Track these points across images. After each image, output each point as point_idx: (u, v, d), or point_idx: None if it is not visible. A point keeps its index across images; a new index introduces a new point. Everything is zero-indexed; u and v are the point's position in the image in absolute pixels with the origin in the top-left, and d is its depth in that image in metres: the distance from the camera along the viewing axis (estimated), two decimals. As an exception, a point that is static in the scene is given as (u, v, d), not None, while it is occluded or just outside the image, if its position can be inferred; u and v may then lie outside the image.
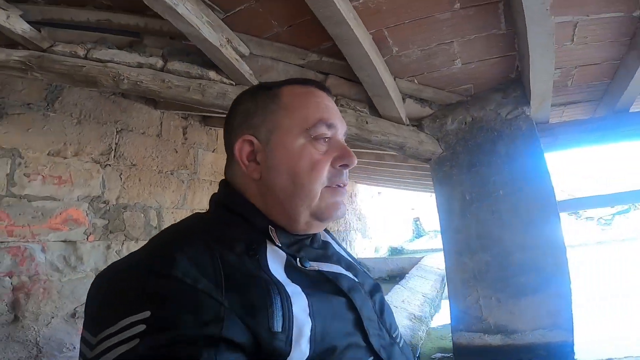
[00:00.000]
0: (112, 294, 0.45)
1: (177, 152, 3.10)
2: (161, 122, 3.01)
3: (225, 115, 0.67)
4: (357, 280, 0.60)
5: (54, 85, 2.36)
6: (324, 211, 0.58)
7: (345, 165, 0.59)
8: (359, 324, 0.53)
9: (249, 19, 1.70)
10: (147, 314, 0.40)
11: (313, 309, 0.49)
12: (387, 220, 10.12)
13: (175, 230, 0.55)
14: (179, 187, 3.11)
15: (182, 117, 3.18)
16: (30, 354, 2.16)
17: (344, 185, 0.61)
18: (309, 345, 0.46)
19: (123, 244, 2.70)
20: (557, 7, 1.50)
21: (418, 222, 13.83)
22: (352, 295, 0.55)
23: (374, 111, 2.06)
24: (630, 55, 1.73)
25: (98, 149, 2.60)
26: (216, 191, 0.63)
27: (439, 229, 2.12)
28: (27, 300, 2.23)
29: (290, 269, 0.53)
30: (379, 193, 9.37)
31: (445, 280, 2.03)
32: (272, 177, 0.57)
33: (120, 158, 2.72)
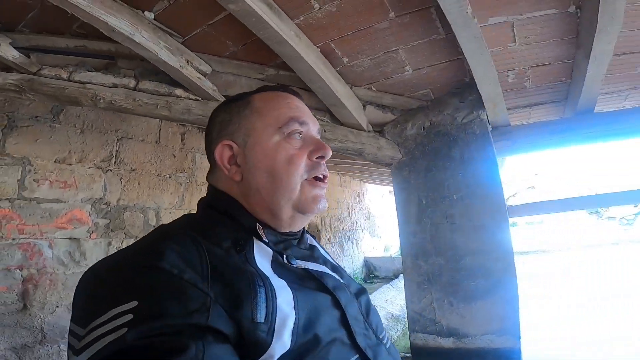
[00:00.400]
0: (100, 287, 0.46)
1: (175, 156, 3.32)
2: (159, 130, 3.24)
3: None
4: (342, 281, 0.62)
5: (58, 100, 2.63)
6: (305, 204, 0.60)
7: (321, 157, 0.61)
8: (343, 321, 0.54)
9: (206, 41, 1.84)
10: (134, 303, 0.41)
11: (298, 303, 0.50)
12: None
13: (164, 228, 0.57)
14: (177, 190, 3.33)
15: (180, 124, 3.40)
16: (35, 339, 2.45)
17: (324, 178, 0.63)
18: (291, 337, 0.46)
19: (123, 241, 2.95)
20: (486, 9, 1.52)
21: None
22: (337, 293, 0.56)
23: (336, 119, 2.15)
24: (578, 54, 1.70)
25: (100, 155, 2.86)
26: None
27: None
28: (35, 291, 2.52)
29: (277, 265, 0.55)
30: (390, 192, 9.33)
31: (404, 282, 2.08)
32: (253, 176, 0.60)
33: (121, 164, 2.97)
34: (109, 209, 2.90)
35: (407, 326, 3.58)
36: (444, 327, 1.91)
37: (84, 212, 2.79)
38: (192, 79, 1.89)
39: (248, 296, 0.46)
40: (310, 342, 0.48)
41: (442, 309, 1.93)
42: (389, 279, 5.87)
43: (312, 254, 0.64)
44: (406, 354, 2.48)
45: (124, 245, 2.96)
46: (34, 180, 2.56)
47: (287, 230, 0.62)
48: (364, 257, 6.91)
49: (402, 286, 4.61)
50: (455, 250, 1.91)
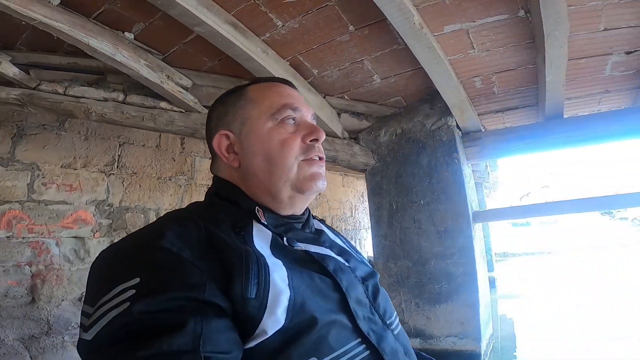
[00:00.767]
0: (107, 268, 0.49)
1: (174, 160, 3.47)
2: (160, 135, 3.39)
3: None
4: (347, 264, 0.61)
5: (63, 110, 2.81)
6: (303, 182, 0.60)
7: (315, 140, 0.62)
8: (344, 304, 0.53)
9: (184, 57, 1.95)
10: (137, 280, 0.43)
11: (293, 281, 0.50)
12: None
13: (169, 214, 0.59)
14: (177, 191, 3.48)
15: (180, 130, 3.55)
16: (42, 330, 2.64)
17: (322, 158, 0.64)
18: (285, 314, 0.47)
19: (125, 240, 3.13)
20: (439, 17, 1.55)
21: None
22: (337, 275, 0.55)
23: (311, 127, 2.22)
24: (538, 59, 1.71)
25: (103, 160, 3.04)
26: None
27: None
28: (43, 286, 2.71)
29: (276, 247, 0.56)
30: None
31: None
32: (250, 161, 0.61)
33: (123, 168, 3.14)
34: (112, 210, 3.07)
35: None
36: (412, 328, 1.97)
37: (89, 213, 2.97)
38: (173, 93, 2.01)
39: (239, 272, 0.47)
40: (307, 322, 0.48)
41: (410, 310, 1.98)
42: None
43: (317, 238, 0.64)
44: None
45: (126, 244, 3.14)
46: (42, 184, 2.76)
47: (289, 213, 0.62)
48: (367, 257, 6.95)
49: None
50: (421, 254, 1.96)
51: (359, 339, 0.52)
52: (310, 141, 0.62)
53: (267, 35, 1.73)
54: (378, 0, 1.36)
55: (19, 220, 2.67)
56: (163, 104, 2.13)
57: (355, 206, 6.93)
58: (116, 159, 3.10)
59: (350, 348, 0.50)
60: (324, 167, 0.64)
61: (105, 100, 2.11)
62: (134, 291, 0.42)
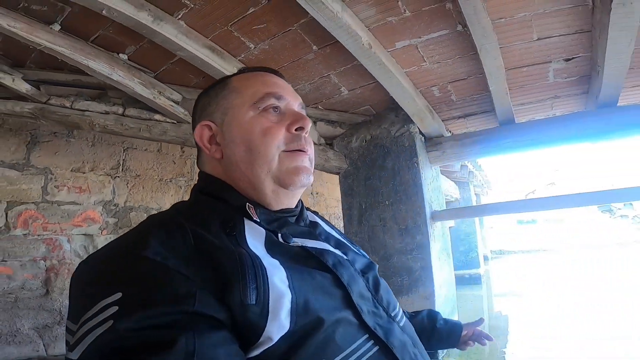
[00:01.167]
0: (88, 281, 0.45)
1: (175, 163, 3.71)
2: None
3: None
4: (346, 257, 0.58)
5: (72, 120, 3.06)
6: (286, 176, 0.57)
7: (301, 129, 0.59)
8: (347, 300, 0.51)
9: (173, 75, 2.16)
10: (119, 295, 0.39)
11: (293, 282, 0.47)
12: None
13: (151, 217, 0.54)
14: (177, 192, 3.72)
15: (180, 135, 3.78)
16: (54, 320, 2.90)
17: (304, 150, 0.60)
18: (289, 318, 0.43)
19: (129, 237, 3.38)
20: (390, 35, 1.72)
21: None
22: (337, 270, 0.53)
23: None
24: (484, 69, 1.85)
25: (109, 164, 3.29)
26: None
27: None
28: (56, 279, 2.97)
29: (271, 245, 0.52)
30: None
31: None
32: (232, 151, 0.58)
33: (127, 171, 3.39)
34: (117, 209, 3.32)
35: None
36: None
37: (96, 212, 3.22)
38: (165, 107, 2.23)
39: (236, 278, 0.43)
40: (313, 323, 0.45)
41: (376, 300, 2.16)
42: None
43: (313, 231, 0.61)
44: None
45: (131, 240, 3.38)
46: (54, 186, 3.02)
47: (279, 208, 0.59)
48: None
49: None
50: (386, 250, 2.14)
51: (366, 335, 0.49)
52: (295, 130, 0.59)
53: (242, 55, 1.93)
54: (328, 27, 1.55)
55: (34, 220, 2.93)
56: (157, 116, 2.35)
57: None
58: (121, 163, 3.34)
59: (358, 346, 0.47)
60: (308, 160, 0.61)
61: (107, 113, 2.33)
62: (117, 307, 0.38)
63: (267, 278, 0.45)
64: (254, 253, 0.48)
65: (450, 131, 2.48)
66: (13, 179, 2.85)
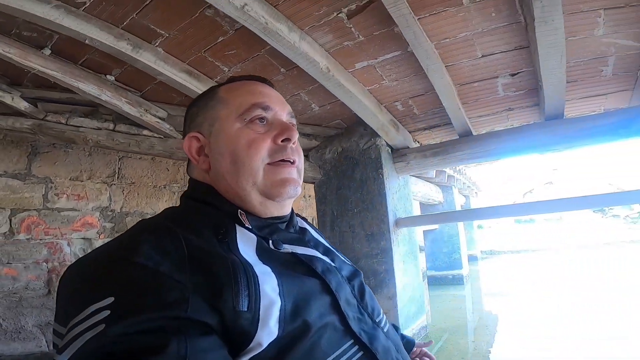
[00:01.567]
0: (78, 284, 0.44)
1: (168, 170, 3.86)
2: (155, 149, 3.78)
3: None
4: (333, 264, 0.59)
5: (71, 132, 3.22)
6: (271, 189, 0.57)
7: (287, 140, 0.58)
8: (335, 306, 0.51)
9: (158, 93, 2.31)
10: (111, 299, 0.39)
11: (283, 289, 0.47)
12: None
13: (142, 222, 0.53)
14: (171, 198, 3.87)
15: (173, 143, 3.93)
16: (56, 316, 3.06)
17: (291, 161, 0.59)
18: (278, 325, 0.44)
19: (126, 240, 3.54)
20: (349, 57, 1.84)
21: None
22: (326, 277, 0.53)
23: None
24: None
25: (105, 173, 3.45)
26: None
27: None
28: (57, 279, 3.14)
29: (262, 251, 0.52)
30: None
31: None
32: (218, 163, 0.58)
33: (122, 178, 3.55)
34: (114, 215, 3.49)
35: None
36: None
37: (94, 218, 3.39)
38: (152, 123, 2.37)
39: (229, 284, 0.43)
40: (300, 329, 0.45)
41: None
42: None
43: (302, 238, 0.61)
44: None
45: (127, 244, 3.54)
46: (54, 194, 3.18)
47: (269, 216, 0.59)
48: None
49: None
50: (355, 254, 2.28)
51: (352, 340, 0.50)
52: (282, 141, 0.58)
53: (218, 77, 2.07)
54: (288, 55, 1.68)
55: (36, 225, 3.10)
56: (145, 132, 2.50)
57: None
58: (116, 171, 3.50)
59: (343, 351, 0.48)
60: (295, 171, 0.60)
61: (99, 129, 2.49)
62: (108, 312, 0.38)
63: (259, 286, 0.45)
64: (246, 260, 0.48)
65: (418, 142, 2.60)
66: (16, 188, 3.02)
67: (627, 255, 9.04)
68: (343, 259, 0.66)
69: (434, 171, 3.37)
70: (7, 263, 2.96)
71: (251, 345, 0.42)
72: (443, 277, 6.52)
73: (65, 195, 3.22)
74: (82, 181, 3.31)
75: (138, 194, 3.63)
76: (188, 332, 0.39)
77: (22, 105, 2.41)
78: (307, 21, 1.63)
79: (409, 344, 0.83)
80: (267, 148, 0.57)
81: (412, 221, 2.24)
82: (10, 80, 2.37)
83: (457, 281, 6.50)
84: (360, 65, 1.92)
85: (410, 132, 2.51)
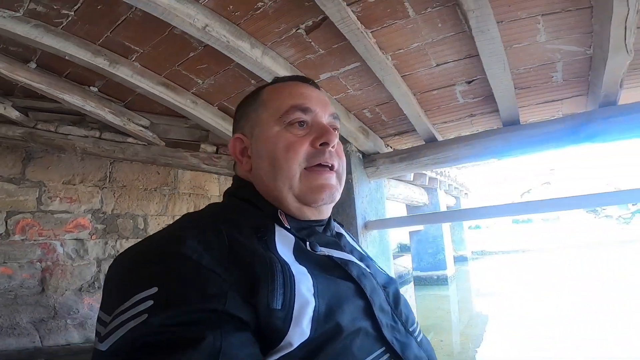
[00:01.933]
0: (125, 274, 0.45)
1: (159, 174, 3.98)
2: (146, 153, 3.90)
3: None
4: (369, 270, 0.58)
5: (63, 138, 3.34)
6: (307, 195, 0.56)
7: (325, 144, 0.57)
8: (369, 311, 0.50)
9: (140, 103, 2.41)
10: (155, 289, 0.40)
11: (318, 290, 0.47)
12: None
13: (188, 217, 0.55)
14: (161, 200, 3.99)
15: (164, 148, 4.04)
16: (49, 314, 3.18)
17: (330, 165, 0.58)
18: (310, 325, 0.44)
19: (117, 241, 3.66)
20: (314, 69, 1.90)
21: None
22: (361, 281, 0.52)
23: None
24: None
25: (97, 176, 3.57)
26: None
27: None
28: (50, 278, 3.26)
29: (299, 252, 0.52)
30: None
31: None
32: (258, 165, 0.59)
33: (114, 182, 3.67)
34: (105, 217, 3.61)
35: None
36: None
37: (86, 219, 3.51)
38: (135, 132, 2.48)
39: (265, 282, 0.44)
40: (332, 331, 0.45)
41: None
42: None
43: (338, 242, 0.61)
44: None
45: (118, 244, 3.66)
46: (48, 197, 3.31)
47: (308, 219, 0.59)
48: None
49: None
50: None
51: (383, 348, 0.49)
52: (320, 145, 0.57)
53: (194, 89, 2.17)
54: (253, 70, 1.78)
55: (30, 227, 3.23)
56: (130, 139, 2.61)
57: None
58: (108, 175, 3.62)
59: (374, 358, 0.47)
60: (335, 177, 0.59)
61: (86, 137, 2.60)
62: (152, 302, 0.39)
63: (295, 285, 0.45)
64: (283, 259, 0.48)
65: (391, 147, 2.69)
66: (11, 192, 3.15)
67: (619, 256, 9.07)
68: (378, 267, 0.65)
69: (412, 174, 3.45)
70: (3, 262, 3.08)
71: (282, 344, 0.42)
72: (428, 278, 6.61)
73: (58, 198, 3.35)
74: (75, 185, 3.43)
75: (129, 197, 3.75)
76: (224, 327, 0.39)
77: (14, 114, 2.53)
78: (270, 37, 1.73)
79: None
80: (305, 152, 0.57)
81: (382, 224, 2.32)
82: (1, 91, 2.49)
83: (442, 282, 6.60)
84: (325, 76, 2.01)
85: (381, 138, 2.59)
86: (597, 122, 1.81)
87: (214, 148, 2.68)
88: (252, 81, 2.09)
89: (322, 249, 0.55)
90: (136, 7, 1.49)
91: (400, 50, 1.78)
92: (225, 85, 2.13)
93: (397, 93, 1.94)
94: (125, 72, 1.93)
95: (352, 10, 1.52)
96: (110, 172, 3.65)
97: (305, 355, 0.43)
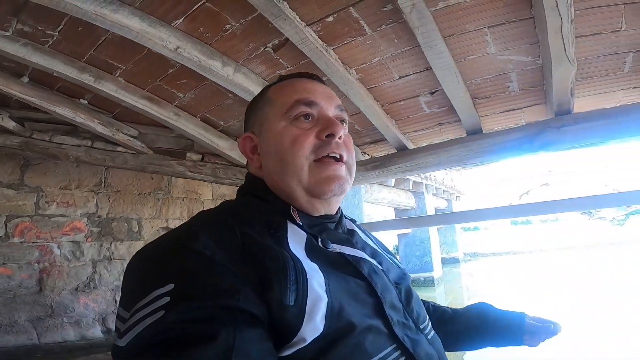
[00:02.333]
0: (143, 271, 0.46)
1: (153, 179, 4.09)
2: (140, 159, 4.02)
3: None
4: (380, 267, 0.58)
5: (60, 145, 3.47)
6: (316, 187, 0.56)
7: (331, 135, 0.57)
8: (379, 309, 0.50)
9: (127, 114, 2.52)
10: (171, 286, 0.40)
11: (330, 286, 0.47)
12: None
13: (202, 214, 0.55)
14: (155, 204, 4.10)
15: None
16: (47, 313, 3.31)
17: (338, 156, 0.58)
18: (324, 322, 0.44)
19: (112, 243, 3.78)
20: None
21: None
22: (372, 279, 0.52)
23: (230, 162, 2.78)
24: None
25: (92, 182, 3.69)
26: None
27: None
28: (48, 278, 3.38)
29: (311, 249, 0.52)
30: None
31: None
32: (267, 161, 0.59)
33: (109, 187, 3.79)
34: (101, 220, 3.73)
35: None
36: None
37: (82, 223, 3.63)
38: (124, 141, 2.61)
39: (277, 278, 0.44)
40: (345, 328, 0.45)
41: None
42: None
43: (350, 239, 0.60)
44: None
45: (113, 246, 3.79)
46: (45, 202, 3.43)
47: (318, 214, 0.59)
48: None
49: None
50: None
51: (394, 345, 0.49)
52: (326, 137, 0.57)
53: (176, 102, 2.28)
54: (226, 86, 1.90)
55: (29, 230, 3.35)
56: (120, 148, 2.73)
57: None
58: (103, 181, 3.75)
59: (386, 354, 0.47)
60: (344, 168, 0.59)
61: (79, 146, 2.72)
62: (168, 298, 0.40)
63: (307, 281, 0.45)
64: (295, 255, 0.48)
65: (368, 154, 2.79)
66: (10, 197, 3.28)
67: (614, 257, 9.07)
68: (392, 261, 0.65)
69: (392, 180, 3.53)
70: (3, 263, 3.21)
71: (295, 339, 0.42)
72: (415, 280, 6.70)
73: (55, 203, 3.47)
74: (71, 190, 3.56)
75: (123, 201, 3.87)
76: (237, 323, 0.39)
77: (11, 124, 2.66)
78: (240, 55, 1.83)
79: (514, 317, 0.75)
80: (311, 144, 0.57)
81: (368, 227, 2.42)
82: (-1, 102, 2.62)
83: (429, 283, 6.68)
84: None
85: (358, 146, 2.69)
86: (550, 131, 1.89)
87: (199, 156, 2.79)
88: (230, 95, 2.20)
89: (334, 245, 0.55)
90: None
91: (363, 65, 1.88)
92: (205, 99, 2.24)
93: (363, 105, 2.03)
94: (110, 87, 2.04)
95: (313, 30, 1.63)
96: (105, 178, 3.77)
97: (318, 350, 0.43)
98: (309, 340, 0.42)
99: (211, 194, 4.54)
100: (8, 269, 3.24)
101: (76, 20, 1.56)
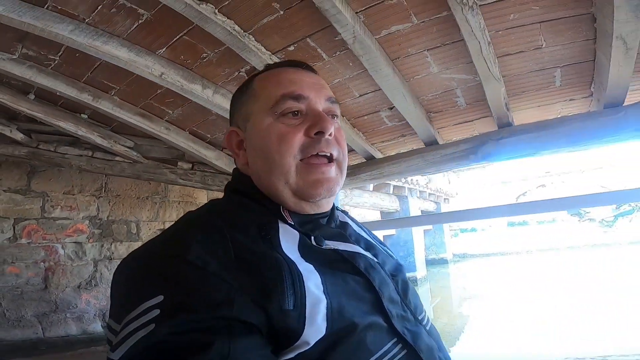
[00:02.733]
0: (131, 281, 0.44)
1: (150, 184, 4.33)
2: (138, 166, 4.27)
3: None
4: (376, 260, 0.56)
5: (64, 154, 3.73)
6: (304, 189, 0.53)
7: (320, 133, 0.53)
8: (378, 304, 0.49)
9: (124, 127, 2.76)
10: (161, 298, 0.39)
11: (327, 287, 0.45)
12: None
13: (189, 217, 0.52)
14: (153, 207, 4.35)
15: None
16: (51, 309, 3.54)
17: (329, 155, 0.54)
18: (325, 323, 0.43)
19: (112, 244, 4.02)
20: None
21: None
22: (369, 274, 0.50)
23: (217, 170, 3.03)
24: None
25: (94, 187, 3.94)
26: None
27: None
28: (52, 277, 3.62)
29: (305, 248, 0.50)
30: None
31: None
32: (253, 159, 0.56)
33: (109, 192, 4.04)
34: (101, 222, 3.98)
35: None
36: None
37: (84, 225, 3.88)
38: (121, 152, 2.86)
39: (275, 284, 0.42)
40: (347, 328, 0.44)
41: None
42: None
43: (343, 233, 0.58)
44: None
45: (113, 247, 4.04)
46: (50, 206, 3.69)
47: (308, 214, 0.56)
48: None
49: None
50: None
51: (395, 339, 0.48)
52: (315, 134, 0.53)
53: (166, 118, 2.53)
54: (206, 105, 2.14)
55: (35, 231, 3.60)
56: (118, 158, 2.98)
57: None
58: (103, 186, 4.01)
59: (387, 350, 0.46)
60: (333, 169, 0.56)
61: (81, 156, 2.97)
62: (158, 311, 0.38)
63: (304, 284, 0.44)
64: (290, 258, 0.47)
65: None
66: (18, 201, 3.54)
67: (602, 258, 9.15)
68: (387, 252, 0.63)
69: (371, 185, 3.75)
70: (12, 262, 3.46)
71: (298, 342, 0.41)
72: (399, 280, 6.85)
73: (59, 207, 3.73)
74: (74, 194, 3.82)
75: (123, 205, 4.12)
76: (232, 332, 0.38)
77: (19, 136, 2.92)
78: (218, 78, 2.07)
79: None
80: (299, 142, 0.53)
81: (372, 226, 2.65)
82: (8, 116, 2.87)
83: (412, 283, 6.83)
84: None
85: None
86: (491, 144, 2.10)
87: (190, 165, 3.04)
88: (214, 111, 2.45)
89: (328, 242, 0.53)
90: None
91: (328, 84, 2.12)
92: (191, 115, 2.49)
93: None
94: (107, 105, 2.29)
95: (277, 58, 1.86)
96: (105, 183, 4.03)
97: (321, 352, 0.42)
98: (312, 343, 0.42)
99: (206, 198, 4.78)
100: (16, 268, 3.49)
101: (74, 47, 1.79)
